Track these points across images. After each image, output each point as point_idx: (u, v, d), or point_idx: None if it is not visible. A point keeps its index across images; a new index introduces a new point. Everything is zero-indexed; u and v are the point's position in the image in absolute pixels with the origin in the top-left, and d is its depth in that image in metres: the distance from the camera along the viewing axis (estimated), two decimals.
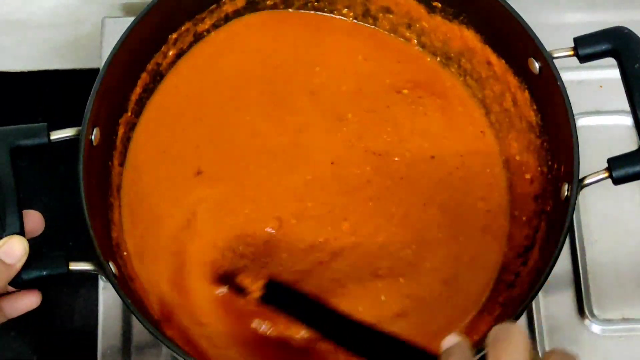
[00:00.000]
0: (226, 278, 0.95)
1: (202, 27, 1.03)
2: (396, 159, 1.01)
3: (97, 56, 1.11)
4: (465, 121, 1.03)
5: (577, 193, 0.90)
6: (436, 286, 0.96)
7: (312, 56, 1.05)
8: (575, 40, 0.94)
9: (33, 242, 0.88)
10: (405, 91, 1.04)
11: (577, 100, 0.95)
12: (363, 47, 1.06)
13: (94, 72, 0.94)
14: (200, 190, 0.99)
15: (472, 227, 0.99)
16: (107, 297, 1.02)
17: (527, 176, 0.99)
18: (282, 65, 1.05)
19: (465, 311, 0.95)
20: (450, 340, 0.76)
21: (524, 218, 0.98)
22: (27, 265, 0.86)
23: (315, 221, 0.98)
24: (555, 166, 0.95)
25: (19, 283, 0.86)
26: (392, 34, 1.07)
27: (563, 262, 1.04)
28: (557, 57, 0.94)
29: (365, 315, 0.94)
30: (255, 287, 0.94)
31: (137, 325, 1.01)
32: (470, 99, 1.04)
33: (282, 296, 0.94)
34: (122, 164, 0.99)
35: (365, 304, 0.94)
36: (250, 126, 1.01)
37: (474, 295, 0.96)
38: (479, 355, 0.87)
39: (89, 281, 1.07)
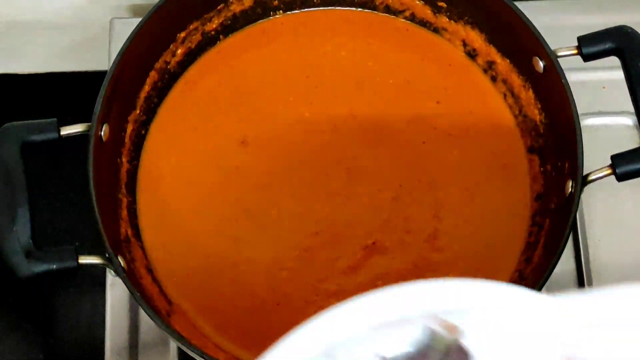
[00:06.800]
0: None
1: (210, 27, 1.03)
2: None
3: (106, 58, 1.11)
4: None
5: (581, 189, 0.91)
6: None
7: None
8: (579, 39, 0.95)
9: (43, 238, 0.89)
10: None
11: (580, 102, 0.95)
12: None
13: (103, 74, 0.95)
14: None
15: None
16: (114, 294, 1.03)
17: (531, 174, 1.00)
18: None
19: None
20: None
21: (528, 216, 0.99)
22: (37, 259, 0.87)
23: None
24: (559, 164, 0.96)
25: (29, 277, 0.87)
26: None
27: (567, 262, 1.04)
28: (561, 56, 0.95)
29: None
30: None
31: (144, 322, 1.02)
32: None
33: None
34: (130, 161, 0.99)
35: None
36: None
37: None
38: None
39: (95, 282, 1.08)
